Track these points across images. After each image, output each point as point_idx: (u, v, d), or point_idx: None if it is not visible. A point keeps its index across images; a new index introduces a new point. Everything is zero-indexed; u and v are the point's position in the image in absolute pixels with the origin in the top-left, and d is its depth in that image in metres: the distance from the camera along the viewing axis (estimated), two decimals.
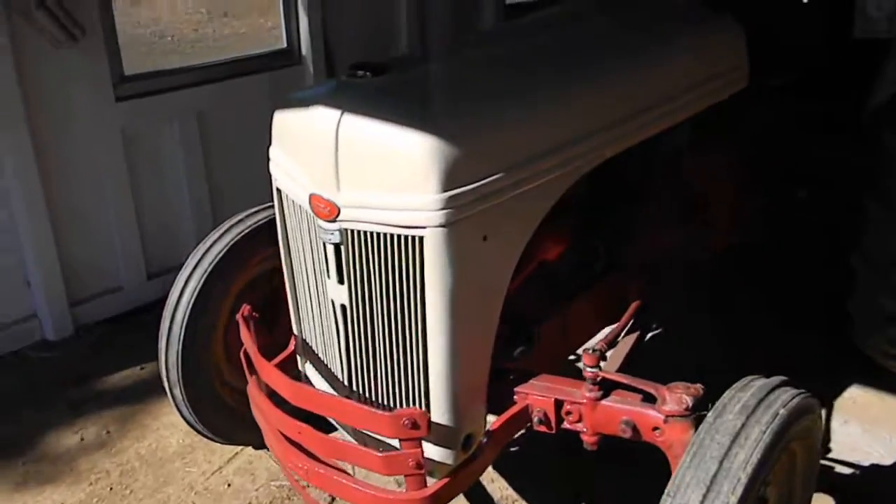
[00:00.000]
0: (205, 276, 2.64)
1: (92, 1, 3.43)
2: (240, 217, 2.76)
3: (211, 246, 2.69)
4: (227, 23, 12.69)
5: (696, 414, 1.94)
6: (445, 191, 1.80)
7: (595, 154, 2.17)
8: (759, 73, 3.15)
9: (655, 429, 2.01)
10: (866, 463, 3.03)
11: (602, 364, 2.38)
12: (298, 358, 2.35)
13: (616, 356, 2.40)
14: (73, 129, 3.57)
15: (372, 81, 1.92)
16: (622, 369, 2.39)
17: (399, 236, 1.86)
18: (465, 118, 1.88)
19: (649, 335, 3.79)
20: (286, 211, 2.16)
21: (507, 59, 2.15)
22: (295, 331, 2.33)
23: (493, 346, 2.06)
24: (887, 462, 3.04)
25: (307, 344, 2.30)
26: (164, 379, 2.68)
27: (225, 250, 2.66)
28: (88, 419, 3.24)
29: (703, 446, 1.76)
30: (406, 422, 1.83)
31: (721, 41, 2.69)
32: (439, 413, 2.01)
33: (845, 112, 3.30)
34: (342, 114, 1.85)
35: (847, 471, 3.01)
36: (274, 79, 4.19)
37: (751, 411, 1.81)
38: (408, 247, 1.86)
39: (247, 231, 2.70)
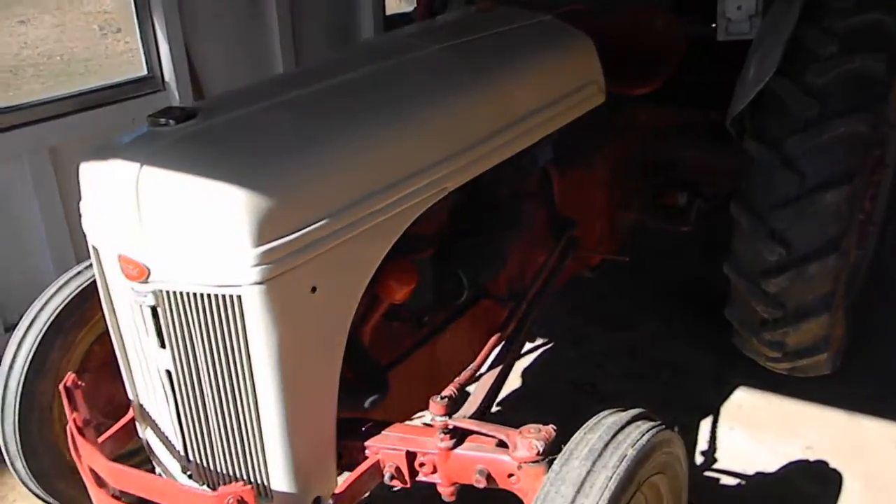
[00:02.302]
0: (41, 334, 2.42)
1: None
2: (80, 268, 2.56)
3: (47, 301, 2.48)
4: (120, 38, 12.21)
5: (550, 458, 1.85)
6: (259, 245, 1.67)
7: (434, 188, 2.06)
8: (617, 85, 3.11)
9: (511, 475, 1.92)
10: (752, 471, 3.02)
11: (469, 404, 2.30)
12: (138, 425, 2.18)
13: (475, 397, 2.30)
14: None
15: (176, 129, 1.76)
16: (484, 408, 2.30)
17: (216, 296, 1.72)
18: (277, 165, 1.74)
19: (536, 354, 3.79)
20: (104, 270, 1.99)
21: (330, 95, 2.02)
22: (130, 395, 2.16)
23: (335, 400, 1.93)
24: (772, 468, 3.04)
25: (144, 409, 2.12)
26: (4, 452, 2.46)
27: (63, 304, 2.46)
28: None
29: (549, 499, 1.67)
30: (231, 500, 1.68)
31: (571, 56, 2.62)
32: (280, 480, 1.88)
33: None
34: (141, 167, 1.69)
35: (733, 481, 3.01)
36: (137, 108, 3.96)
37: (597, 455, 1.73)
38: (226, 307, 1.72)
39: (90, 282, 2.50)
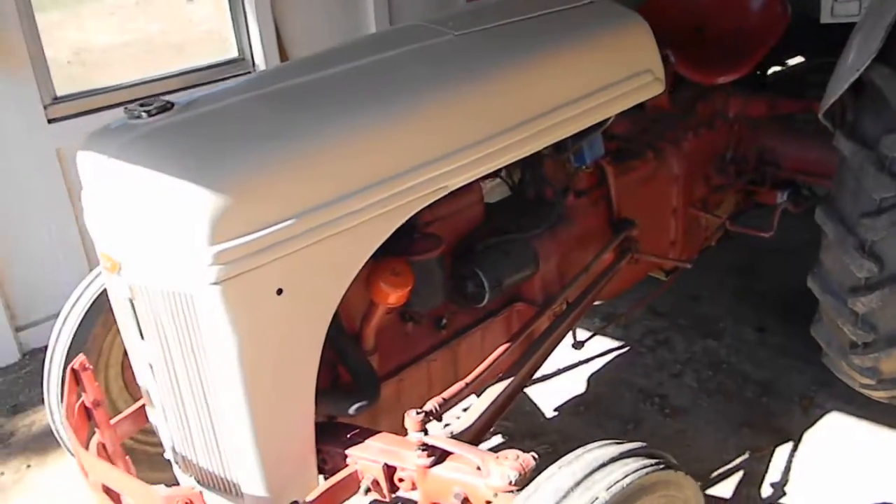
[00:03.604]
0: (84, 312, 2.52)
1: (13, 22, 3.36)
2: None
3: (91, 282, 2.58)
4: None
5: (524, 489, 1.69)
6: (214, 244, 1.61)
7: (429, 188, 1.92)
8: (697, 71, 2.82)
9: (488, 503, 1.77)
10: None
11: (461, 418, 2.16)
12: (147, 409, 2.21)
13: (475, 410, 2.15)
14: (6, 153, 3.52)
15: (147, 122, 1.73)
16: (485, 423, 2.15)
17: (176, 294, 1.68)
18: (240, 161, 1.67)
19: (609, 358, 3.53)
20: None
21: (318, 87, 1.91)
22: (139, 381, 2.19)
23: (310, 404, 1.86)
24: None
25: (149, 396, 2.15)
26: (51, 423, 2.59)
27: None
28: (12, 452, 3.21)
29: None
30: (178, 502, 1.66)
31: (618, 41, 2.38)
32: (250, 481, 1.84)
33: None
34: (108, 160, 1.68)
35: None
36: None
37: (563, 496, 1.55)
38: (186, 306, 1.68)
39: None
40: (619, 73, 2.35)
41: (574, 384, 3.43)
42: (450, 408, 2.09)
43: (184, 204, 1.60)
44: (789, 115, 3.19)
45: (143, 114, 1.73)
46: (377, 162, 1.83)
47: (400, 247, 2.11)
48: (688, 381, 3.40)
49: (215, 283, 1.62)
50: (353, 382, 2.03)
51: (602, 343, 3.66)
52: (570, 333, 2.89)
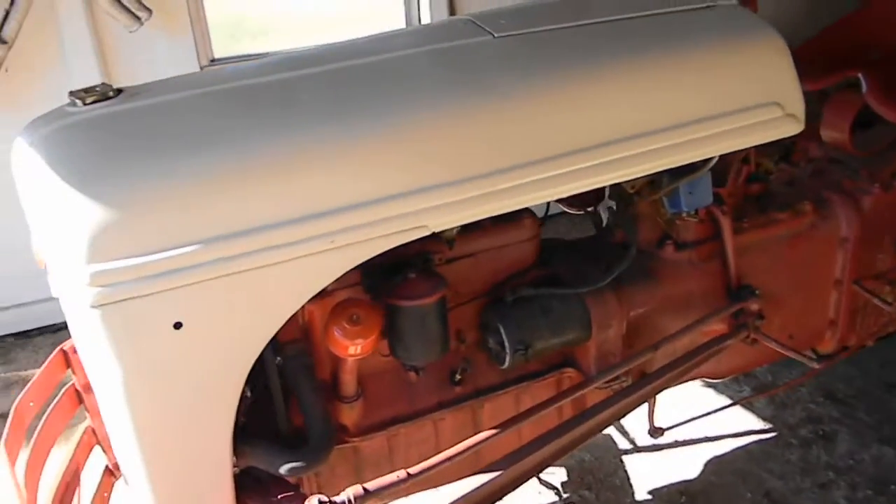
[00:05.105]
0: None
1: None
2: None
3: None
4: None
5: None
6: (94, 262, 1.38)
7: (399, 227, 1.53)
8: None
9: None
10: None
11: None
12: None
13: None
14: None
15: (78, 111, 1.54)
16: None
17: (72, 309, 1.50)
18: (145, 170, 1.41)
19: (740, 443, 2.82)
20: None
21: (283, 89, 1.57)
22: None
23: (224, 453, 1.59)
24: None
25: None
26: None
27: None
28: None
29: None
30: None
31: (729, 62, 1.75)
32: None
33: None
34: (28, 151, 1.51)
35: None
36: None
37: None
38: (80, 324, 1.49)
39: None
40: (727, 102, 1.74)
41: (685, 461, 2.82)
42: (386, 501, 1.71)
43: (69, 213, 1.39)
44: None
45: (78, 101, 1.54)
46: (324, 188, 1.48)
47: (384, 287, 1.76)
48: (836, 496, 2.64)
49: (94, 307, 1.41)
50: (306, 437, 1.74)
51: (738, 418, 2.98)
52: (648, 416, 2.33)
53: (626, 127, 1.69)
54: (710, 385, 3.13)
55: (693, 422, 2.59)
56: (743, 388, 3.16)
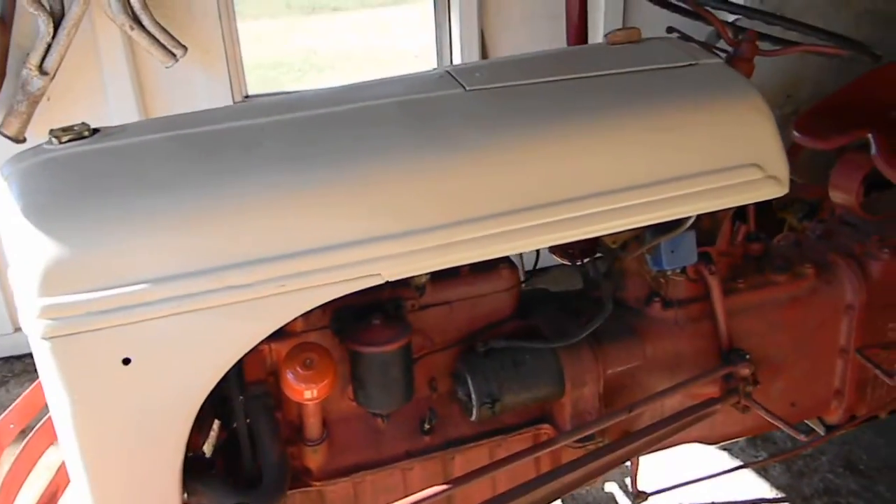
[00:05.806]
0: None
1: (213, 20, 3.54)
2: None
3: None
4: None
5: None
6: (45, 295, 1.42)
7: (350, 275, 1.53)
8: None
9: None
10: None
11: None
12: None
13: None
14: None
15: (53, 149, 1.59)
16: None
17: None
18: (101, 211, 1.45)
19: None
20: None
21: (246, 136, 1.59)
22: None
23: (175, 490, 1.60)
24: None
25: None
26: None
27: None
28: None
29: None
30: None
31: (707, 122, 1.70)
32: None
33: None
34: (3, 187, 1.58)
35: None
36: None
37: None
38: (36, 355, 1.53)
39: None
40: (704, 161, 1.69)
41: None
42: None
43: (26, 246, 1.44)
44: None
45: (55, 140, 1.60)
46: (277, 233, 1.50)
47: (347, 331, 1.76)
48: None
49: (44, 339, 1.45)
50: (263, 478, 1.73)
51: (752, 484, 2.85)
52: (632, 479, 2.24)
53: (594, 183, 1.66)
54: (724, 448, 3.02)
55: (699, 485, 2.48)
56: (760, 452, 3.03)
